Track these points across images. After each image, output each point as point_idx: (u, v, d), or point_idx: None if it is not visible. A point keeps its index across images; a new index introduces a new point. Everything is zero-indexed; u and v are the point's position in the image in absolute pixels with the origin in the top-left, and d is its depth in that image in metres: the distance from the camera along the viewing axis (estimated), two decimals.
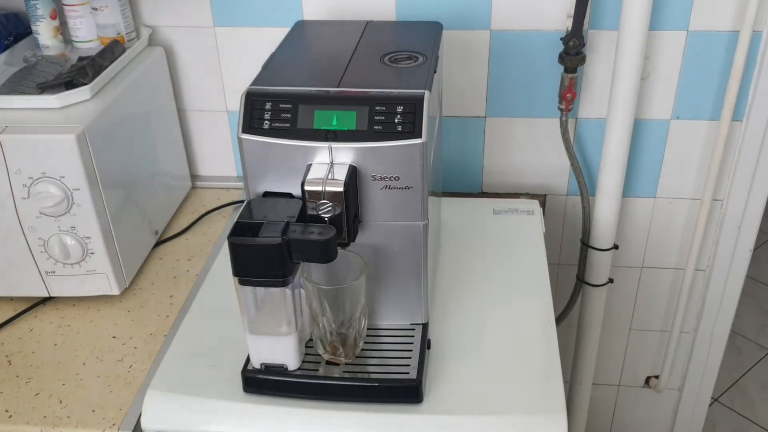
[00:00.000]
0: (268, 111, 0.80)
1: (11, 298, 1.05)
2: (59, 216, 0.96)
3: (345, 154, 0.79)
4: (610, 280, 1.32)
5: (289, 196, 0.82)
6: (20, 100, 0.97)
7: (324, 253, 0.76)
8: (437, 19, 1.08)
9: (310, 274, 0.82)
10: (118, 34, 1.15)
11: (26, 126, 0.93)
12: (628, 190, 1.27)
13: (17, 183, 0.94)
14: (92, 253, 1.00)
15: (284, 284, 0.77)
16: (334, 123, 0.79)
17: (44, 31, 1.14)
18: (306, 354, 0.86)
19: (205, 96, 1.27)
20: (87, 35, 1.15)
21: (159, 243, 1.17)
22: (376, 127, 0.78)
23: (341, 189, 0.77)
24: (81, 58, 1.07)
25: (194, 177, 1.34)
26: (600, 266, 1.29)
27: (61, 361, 0.95)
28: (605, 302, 1.36)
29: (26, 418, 0.86)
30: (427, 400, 0.83)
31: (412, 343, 0.88)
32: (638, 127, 1.21)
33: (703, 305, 1.38)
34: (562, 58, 1.12)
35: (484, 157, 1.27)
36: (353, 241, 0.82)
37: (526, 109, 1.22)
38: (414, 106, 0.78)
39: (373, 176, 0.80)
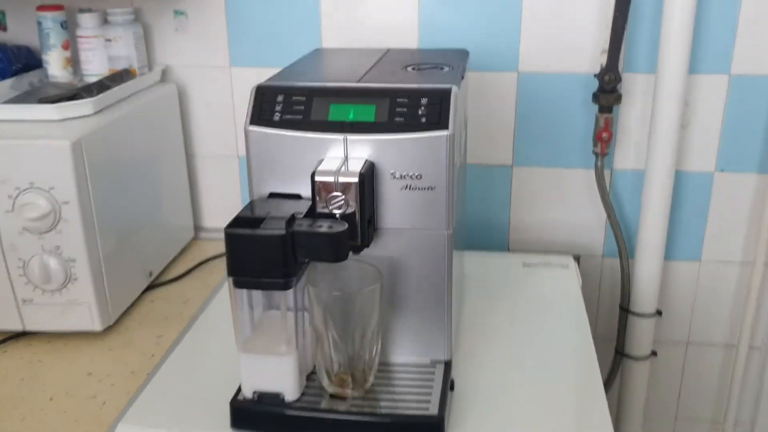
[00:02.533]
0: (280, 103, 0.72)
1: None
2: (44, 233, 0.87)
3: (362, 148, 0.70)
4: (653, 353, 1.18)
5: (297, 198, 0.72)
6: (16, 109, 0.91)
7: (333, 250, 0.65)
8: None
9: (316, 283, 0.71)
10: (131, 66, 1.10)
11: (18, 133, 0.86)
12: (669, 252, 1.16)
13: (2, 193, 0.86)
14: (75, 279, 0.89)
15: (286, 286, 0.66)
16: (351, 116, 0.71)
17: (54, 61, 1.09)
18: (307, 387, 0.73)
19: (216, 140, 1.20)
20: (98, 69, 1.11)
21: (153, 287, 1.07)
22: (398, 119, 0.70)
23: (356, 180, 0.67)
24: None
25: (198, 229, 1.25)
26: (642, 335, 1.16)
27: (26, 396, 0.82)
28: (647, 383, 1.21)
29: None
30: None
31: (432, 381, 0.75)
32: (679, 180, 1.12)
33: (760, 390, 1.22)
34: (596, 97, 1.05)
35: (510, 210, 1.17)
36: (367, 246, 0.71)
37: (557, 159, 1.13)
38: (440, 97, 0.70)
39: (392, 174, 0.71)
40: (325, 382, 0.72)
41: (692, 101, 1.08)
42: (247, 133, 0.72)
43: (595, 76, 1.05)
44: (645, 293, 1.14)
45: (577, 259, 1.13)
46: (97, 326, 0.92)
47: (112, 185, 0.94)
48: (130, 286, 1.01)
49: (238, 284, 0.66)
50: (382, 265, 0.73)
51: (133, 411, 0.75)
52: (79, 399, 0.81)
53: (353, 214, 0.68)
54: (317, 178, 0.68)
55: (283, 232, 0.64)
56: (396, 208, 0.72)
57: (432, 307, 0.76)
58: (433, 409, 0.69)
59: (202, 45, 1.15)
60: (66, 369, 0.87)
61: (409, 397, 0.72)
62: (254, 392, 0.71)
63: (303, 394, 0.72)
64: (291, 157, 0.71)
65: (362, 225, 0.69)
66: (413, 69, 0.82)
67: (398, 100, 0.71)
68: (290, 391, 0.70)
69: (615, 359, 1.20)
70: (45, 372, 0.87)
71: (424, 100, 0.70)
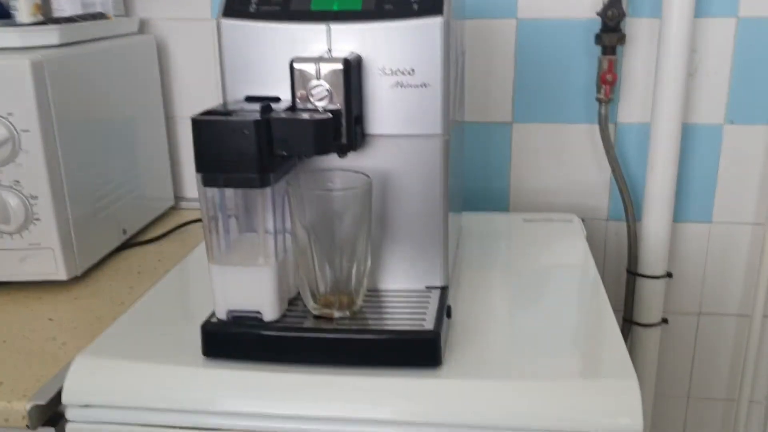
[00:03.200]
0: None
1: None
2: (2, 165, 0.79)
3: (347, 39, 0.64)
4: (664, 321, 1.11)
5: (277, 101, 0.65)
6: None
7: (315, 140, 0.58)
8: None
9: (298, 186, 0.64)
10: (107, 13, 1.04)
11: None
12: (678, 214, 1.09)
13: None
14: (38, 220, 0.82)
15: (262, 183, 0.58)
16: (336, 6, 0.65)
17: (23, 7, 1.03)
18: (289, 310, 0.65)
19: (200, 102, 1.14)
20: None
21: (127, 247, 0.99)
22: (387, 6, 0.64)
23: (340, 66, 0.61)
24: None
25: (179, 199, 1.18)
26: (652, 298, 1.08)
27: None
28: (658, 357, 1.13)
29: None
30: (448, 364, 0.61)
31: (427, 305, 0.67)
32: (687, 134, 1.06)
33: None
34: (599, 38, 1.00)
35: (510, 171, 1.11)
36: (354, 149, 0.64)
37: (559, 114, 1.07)
38: None
39: (381, 69, 0.64)
40: (310, 304, 0.65)
41: (699, 47, 1.03)
42: (219, 26, 0.65)
43: (597, 13, 0.99)
44: (653, 254, 1.06)
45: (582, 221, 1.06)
46: (62, 274, 0.84)
47: (82, 128, 0.87)
48: (101, 239, 0.93)
49: (208, 182, 0.59)
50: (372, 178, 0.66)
51: (95, 345, 0.67)
52: (35, 341, 0.73)
53: (338, 109, 0.61)
54: (296, 65, 0.61)
55: (257, 117, 0.57)
56: (386, 110, 0.65)
57: (427, 227, 0.68)
58: (429, 325, 0.61)
59: None
60: (24, 315, 0.79)
61: (402, 318, 0.64)
62: (229, 312, 0.63)
63: (284, 315, 0.64)
64: (269, 52, 0.65)
65: (348, 121, 0.62)
66: None
67: None
68: (269, 310, 0.62)
69: (623, 328, 1.12)
70: (1, 317, 0.78)
71: None
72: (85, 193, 0.88)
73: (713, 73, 1.03)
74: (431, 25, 0.63)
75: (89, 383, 0.62)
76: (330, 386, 0.60)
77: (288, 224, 0.63)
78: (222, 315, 0.63)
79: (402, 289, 0.70)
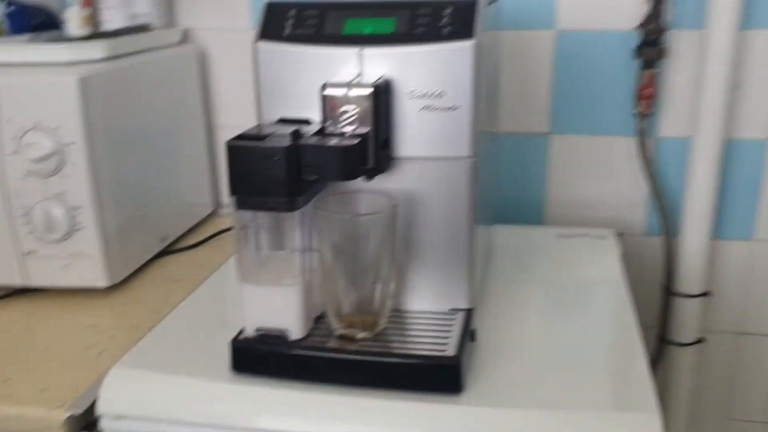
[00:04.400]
0: (291, 18, 0.68)
1: None
2: (48, 176, 0.83)
3: (378, 63, 0.65)
4: (701, 340, 1.09)
5: (308, 123, 0.67)
6: (25, 50, 0.88)
7: (341, 167, 0.59)
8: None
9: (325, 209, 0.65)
10: (151, 25, 1.07)
11: (26, 72, 0.83)
12: (718, 231, 1.07)
13: (8, 134, 0.82)
14: (81, 229, 0.85)
15: (291, 207, 0.60)
16: (368, 29, 0.65)
17: (73, 19, 1.06)
18: (315, 329, 0.67)
19: (240, 108, 1.16)
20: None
21: (166, 253, 1.02)
22: (419, 30, 0.64)
23: (369, 92, 0.61)
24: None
25: (219, 206, 1.20)
26: (688, 318, 1.06)
27: (19, 344, 0.77)
28: (694, 376, 1.11)
29: None
30: (470, 389, 0.62)
31: (451, 327, 0.67)
32: (729, 150, 1.03)
33: None
34: (638, 51, 0.98)
35: (546, 183, 1.10)
36: (382, 171, 0.65)
37: (597, 126, 1.06)
38: (465, 8, 0.65)
39: (411, 92, 0.65)
40: (334, 324, 0.66)
41: (744, 60, 1.00)
42: (255, 49, 0.67)
43: (637, 27, 0.98)
44: (691, 271, 1.05)
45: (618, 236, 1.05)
46: (103, 282, 0.87)
47: (124, 138, 0.90)
48: (141, 247, 0.96)
49: (241, 204, 0.61)
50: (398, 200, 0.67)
51: (130, 356, 0.69)
52: (74, 348, 0.76)
53: (366, 133, 0.62)
54: (326, 92, 0.62)
55: (287, 143, 0.58)
56: (414, 133, 0.66)
57: (453, 249, 0.69)
58: (450, 351, 0.62)
59: (223, 6, 1.11)
60: (65, 321, 0.82)
61: (425, 341, 0.65)
62: (257, 330, 0.64)
63: (309, 334, 0.65)
64: (302, 75, 0.66)
65: (376, 145, 0.63)
66: None
67: (419, 12, 0.65)
68: (295, 329, 0.64)
69: (657, 347, 1.11)
70: (39, 323, 0.82)
71: (447, 11, 0.65)
72: (126, 202, 0.91)
73: (758, 87, 1.01)
74: (462, 49, 0.63)
75: (122, 395, 0.65)
76: (348, 407, 0.61)
77: (316, 244, 0.64)
78: (250, 331, 0.65)
79: (427, 310, 0.70)
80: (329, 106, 0.62)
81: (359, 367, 0.62)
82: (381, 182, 0.67)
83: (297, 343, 0.64)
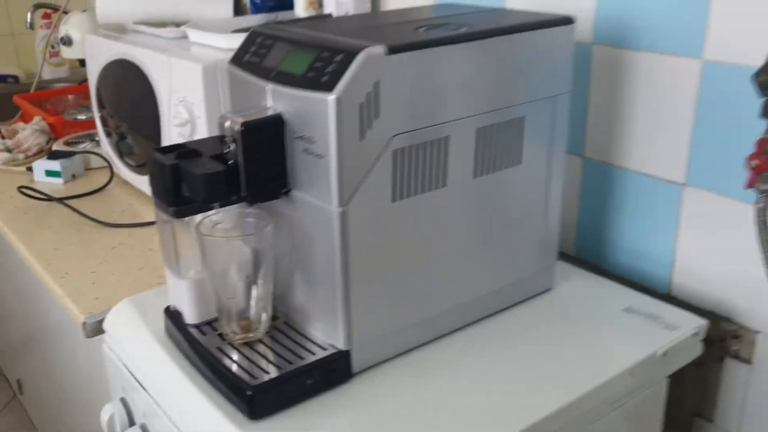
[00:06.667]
0: (255, 45, 0.75)
1: None
2: (185, 139, 1.06)
3: (282, 100, 0.68)
4: None
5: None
6: (196, 34, 1.10)
7: (201, 189, 0.67)
8: (632, 30, 0.83)
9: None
10: (346, 12, 1.19)
11: (187, 55, 1.06)
12: None
13: (171, 102, 1.07)
14: None
15: (176, 214, 0.70)
16: (287, 66, 0.69)
17: (301, 2, 1.25)
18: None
19: None
20: (332, 9, 1.22)
21: None
22: (309, 74, 0.65)
23: (240, 128, 0.66)
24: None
25: None
26: None
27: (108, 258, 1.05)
28: None
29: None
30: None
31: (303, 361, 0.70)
32: None
33: None
34: (765, 107, 0.73)
35: (677, 244, 0.90)
36: (260, 201, 0.70)
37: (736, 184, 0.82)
38: (350, 58, 0.63)
39: (293, 132, 0.67)
40: (226, 328, 0.74)
41: None
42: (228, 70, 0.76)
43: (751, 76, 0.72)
44: None
45: (751, 337, 0.82)
46: None
47: None
48: None
49: (155, 203, 0.74)
50: (292, 229, 0.71)
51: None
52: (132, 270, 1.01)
53: (233, 163, 0.67)
54: (219, 120, 0.69)
55: (170, 162, 0.68)
56: (298, 172, 0.68)
57: (328, 289, 0.70)
58: (259, 380, 0.66)
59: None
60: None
61: (273, 360, 0.69)
62: (171, 305, 0.78)
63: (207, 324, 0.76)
64: (244, 100, 0.74)
65: (249, 177, 0.68)
66: (421, 28, 0.72)
67: (322, 54, 0.66)
68: (187, 312, 0.75)
69: None
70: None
71: (338, 57, 0.64)
72: None
73: None
74: (320, 101, 0.62)
75: (121, 326, 0.86)
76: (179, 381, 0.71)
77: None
78: (172, 305, 0.79)
79: (313, 337, 0.73)
80: (222, 131, 0.69)
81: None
82: (281, 207, 0.71)
83: (188, 324, 0.75)
